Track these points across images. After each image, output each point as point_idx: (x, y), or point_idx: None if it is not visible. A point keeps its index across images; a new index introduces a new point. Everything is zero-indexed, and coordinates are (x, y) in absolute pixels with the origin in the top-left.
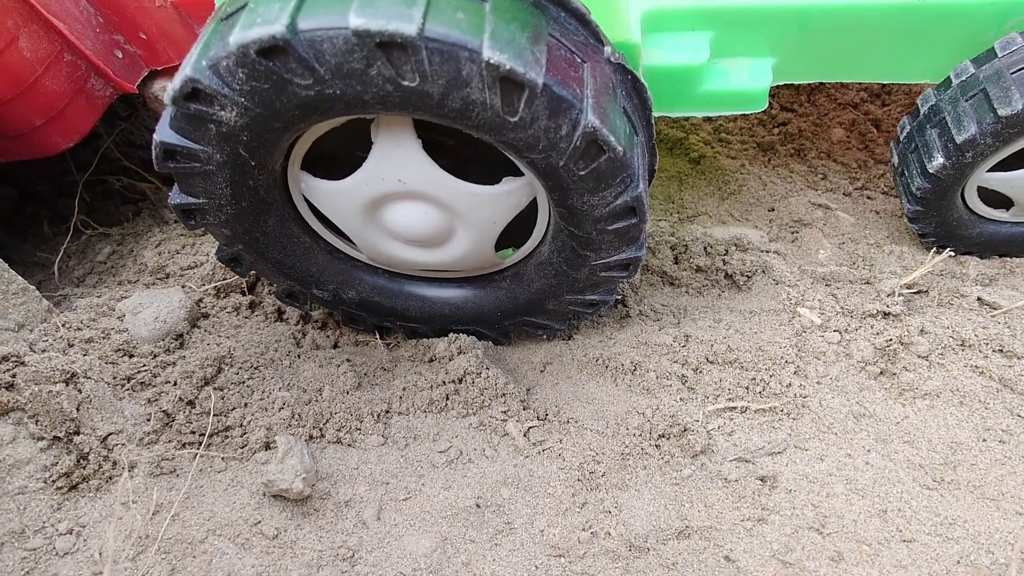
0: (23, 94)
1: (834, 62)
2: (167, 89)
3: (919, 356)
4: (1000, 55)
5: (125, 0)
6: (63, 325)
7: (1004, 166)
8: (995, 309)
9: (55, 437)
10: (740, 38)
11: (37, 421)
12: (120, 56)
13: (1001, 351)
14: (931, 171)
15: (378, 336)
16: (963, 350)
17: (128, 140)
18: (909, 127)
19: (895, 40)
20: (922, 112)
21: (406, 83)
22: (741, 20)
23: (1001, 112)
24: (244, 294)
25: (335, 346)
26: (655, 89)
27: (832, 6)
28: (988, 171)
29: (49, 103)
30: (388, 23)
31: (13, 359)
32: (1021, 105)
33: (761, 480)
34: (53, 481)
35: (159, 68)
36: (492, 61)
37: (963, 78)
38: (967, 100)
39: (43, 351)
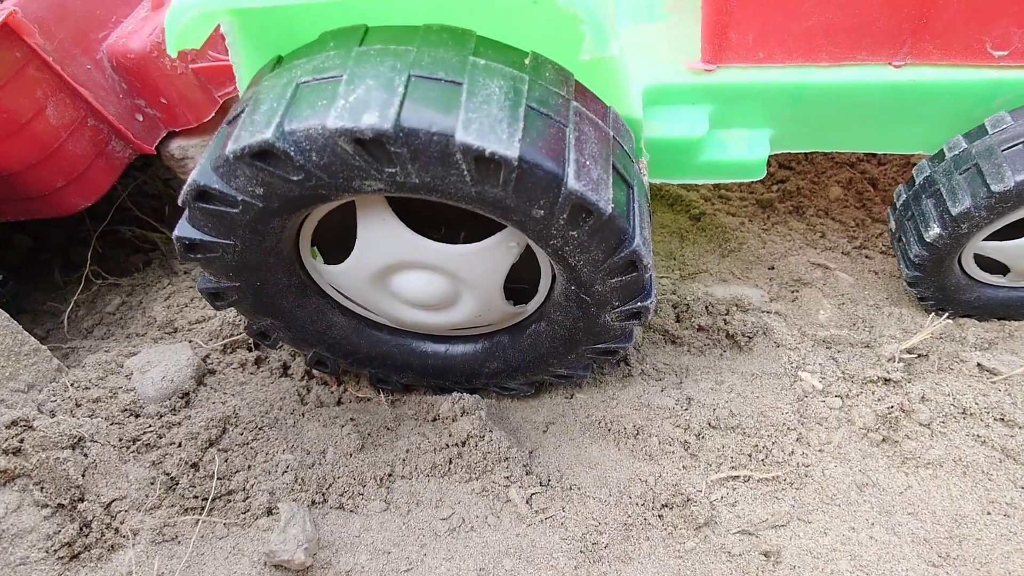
0: (47, 158)
1: (829, 134)
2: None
3: (921, 424)
4: (991, 132)
5: (148, 68)
6: (71, 384)
7: (999, 235)
8: (995, 375)
9: (59, 504)
10: (738, 111)
11: (42, 488)
12: (141, 119)
13: (1002, 420)
14: (928, 240)
15: (381, 393)
16: (964, 418)
17: (141, 191)
18: (905, 195)
19: (887, 115)
20: (917, 182)
21: (489, 190)
22: (739, 95)
23: (994, 188)
24: (250, 350)
25: (339, 403)
26: (656, 159)
27: (825, 84)
28: (984, 240)
29: (71, 166)
30: (491, 144)
31: (22, 423)
32: (1012, 182)
33: (765, 555)
34: (55, 551)
35: (177, 130)
36: (574, 191)
37: (956, 152)
38: (961, 174)
39: (51, 413)
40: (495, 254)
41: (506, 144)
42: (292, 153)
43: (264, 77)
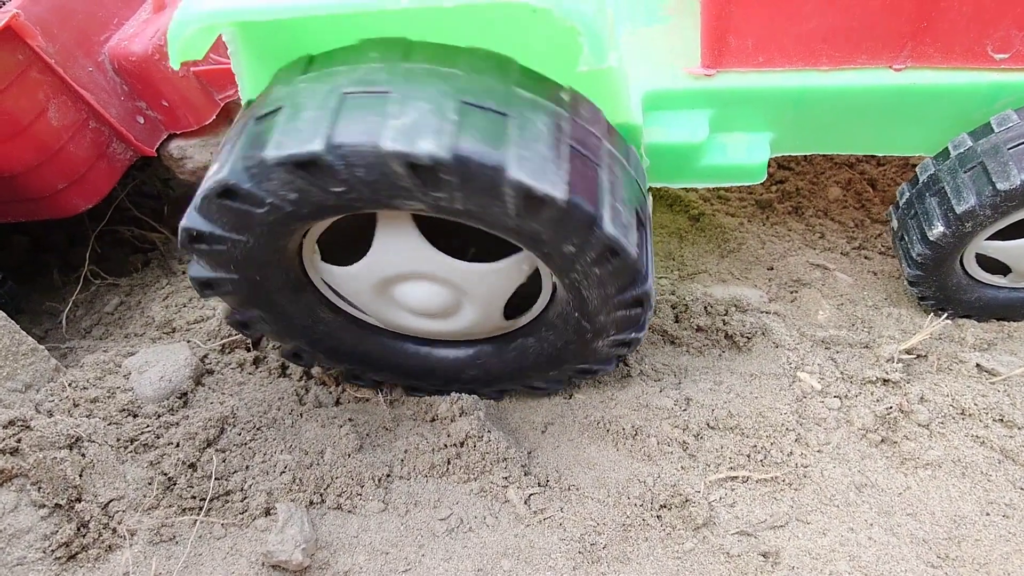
0: (49, 160)
1: (830, 137)
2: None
3: (919, 425)
4: (997, 130)
5: (150, 70)
6: (69, 384)
7: (1001, 235)
8: (994, 376)
9: (57, 504)
10: (738, 115)
11: (40, 488)
12: (142, 122)
13: (1001, 420)
14: (931, 238)
15: (379, 393)
16: (963, 419)
17: (139, 191)
18: (908, 193)
19: (887, 118)
20: (921, 180)
21: (529, 224)
22: (739, 100)
23: (1000, 186)
24: (249, 350)
25: (337, 403)
26: (656, 164)
27: (825, 87)
28: (986, 240)
29: (72, 168)
30: (542, 184)
31: (19, 423)
32: (1019, 180)
33: (763, 556)
34: (52, 551)
35: (177, 132)
36: (609, 234)
37: (961, 150)
38: (966, 172)
39: (49, 413)
40: (508, 275)
41: (555, 185)
42: (338, 167)
43: (297, 79)
